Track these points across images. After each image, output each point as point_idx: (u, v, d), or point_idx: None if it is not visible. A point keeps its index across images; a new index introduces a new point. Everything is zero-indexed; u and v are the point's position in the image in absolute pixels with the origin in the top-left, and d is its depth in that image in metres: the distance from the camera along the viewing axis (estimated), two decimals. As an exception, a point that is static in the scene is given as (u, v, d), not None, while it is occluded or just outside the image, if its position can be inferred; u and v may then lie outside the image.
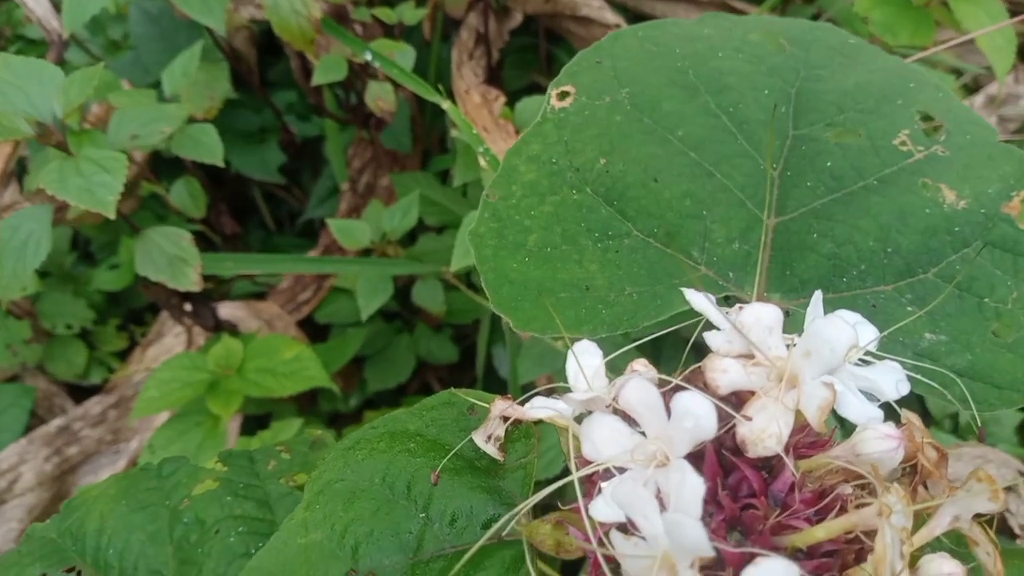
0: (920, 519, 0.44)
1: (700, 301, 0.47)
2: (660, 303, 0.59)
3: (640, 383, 0.41)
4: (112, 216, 0.90)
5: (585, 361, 0.46)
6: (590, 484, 0.44)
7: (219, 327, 1.37)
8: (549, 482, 0.48)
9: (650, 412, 0.41)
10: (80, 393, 1.64)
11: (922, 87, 0.71)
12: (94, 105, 1.44)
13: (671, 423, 0.40)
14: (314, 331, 1.53)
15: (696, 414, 0.39)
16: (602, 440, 0.42)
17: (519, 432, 0.52)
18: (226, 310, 1.46)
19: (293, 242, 1.66)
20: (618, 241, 0.62)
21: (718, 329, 0.45)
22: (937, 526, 0.42)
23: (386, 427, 0.54)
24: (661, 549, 0.36)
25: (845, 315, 0.44)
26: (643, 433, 0.42)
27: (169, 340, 1.57)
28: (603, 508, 0.40)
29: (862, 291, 0.60)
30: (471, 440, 0.51)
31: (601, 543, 0.40)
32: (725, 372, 0.42)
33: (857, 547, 0.41)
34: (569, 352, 0.46)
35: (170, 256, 1.07)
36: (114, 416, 1.54)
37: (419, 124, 1.62)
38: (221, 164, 1.12)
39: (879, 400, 0.46)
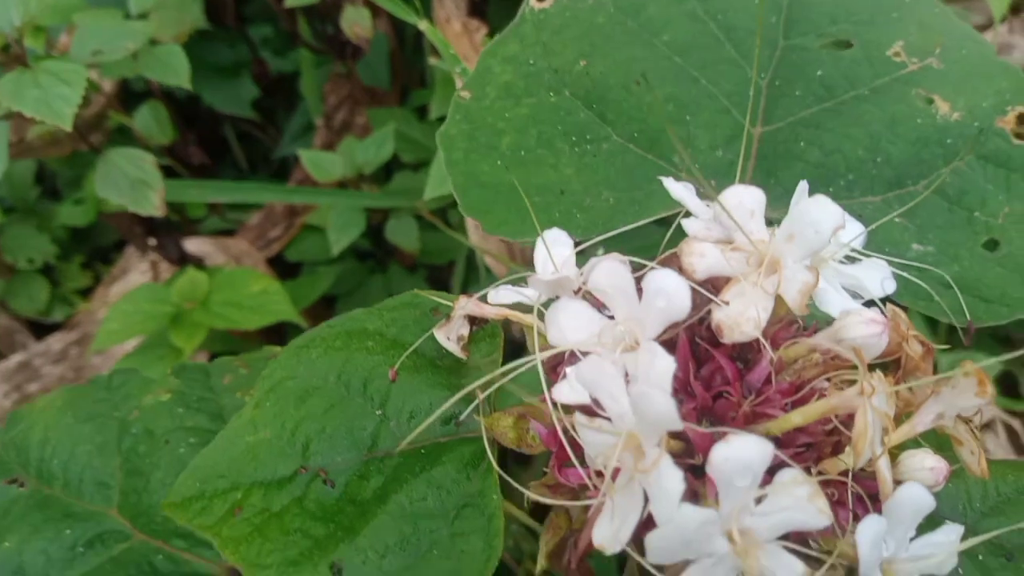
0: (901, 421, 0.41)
1: (678, 190, 0.44)
2: (638, 208, 0.56)
3: (611, 263, 0.38)
4: (69, 128, 0.86)
5: (555, 250, 0.43)
6: (554, 376, 0.41)
7: (185, 261, 1.33)
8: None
9: (620, 294, 0.38)
10: (42, 330, 1.60)
11: (919, 1, 0.68)
12: (63, 36, 1.38)
13: (642, 304, 0.37)
14: (284, 270, 1.49)
15: (669, 292, 0.36)
16: (568, 325, 0.39)
17: (484, 332, 0.49)
18: (193, 245, 1.42)
19: (266, 183, 1.62)
20: (597, 145, 0.59)
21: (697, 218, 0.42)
22: (920, 423, 0.40)
23: (343, 326, 0.51)
24: (626, 428, 0.34)
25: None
26: (612, 318, 0.39)
27: (134, 277, 1.53)
28: (567, 390, 0.37)
29: (849, 201, 0.57)
30: (433, 339, 0.48)
31: (565, 432, 0.37)
32: (703, 256, 0.39)
33: (834, 439, 0.38)
34: (538, 239, 0.43)
35: (132, 179, 1.03)
36: (76, 353, 1.50)
37: (398, 60, 1.57)
38: (188, 86, 1.07)
39: (863, 299, 0.44)
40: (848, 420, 0.37)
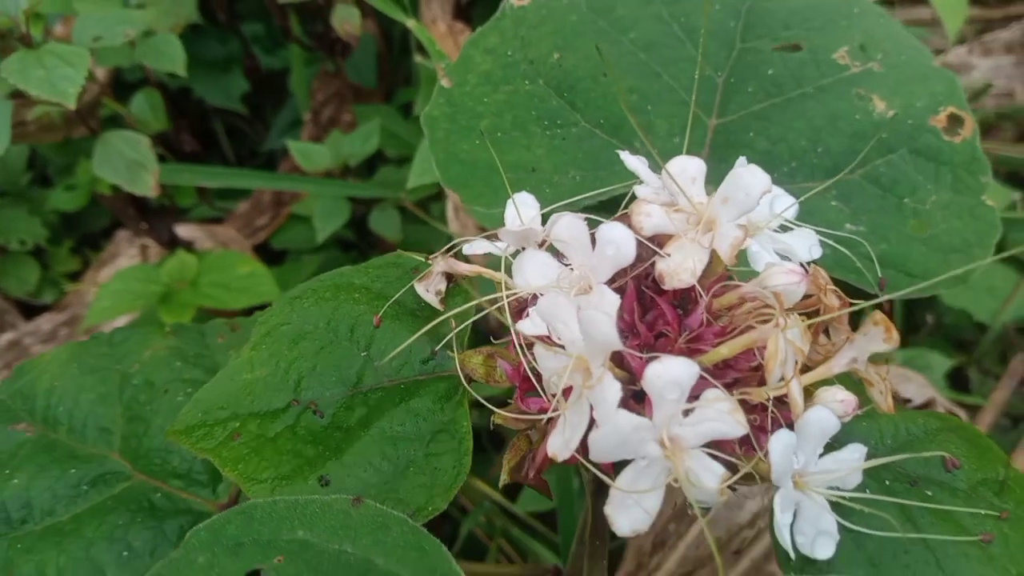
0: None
1: (632, 161, 0.50)
2: (601, 186, 0.62)
3: (571, 218, 0.44)
4: (73, 106, 0.91)
5: (523, 210, 0.49)
6: (519, 318, 0.47)
7: (175, 245, 1.38)
8: (486, 334, 0.51)
9: (577, 244, 0.44)
10: (31, 312, 1.64)
11: (866, 13, 0.75)
12: (58, 25, 1.43)
13: (595, 253, 0.43)
14: (270, 258, 1.54)
15: (617, 241, 0.42)
16: (532, 272, 0.45)
17: (459, 288, 0.55)
18: (183, 230, 1.47)
19: (256, 171, 1.66)
20: (566, 129, 0.65)
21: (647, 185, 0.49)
22: (836, 365, 0.46)
23: (332, 280, 0.57)
24: (576, 352, 0.40)
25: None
26: (570, 268, 0.45)
27: (123, 261, 1.57)
28: (528, 325, 0.43)
29: (792, 186, 0.63)
30: (414, 293, 0.54)
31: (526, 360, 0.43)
32: (649, 216, 0.45)
33: (759, 375, 0.44)
34: (508, 201, 0.49)
35: (128, 160, 1.08)
36: (65, 333, 1.54)
37: (385, 60, 1.63)
38: (183, 73, 1.13)
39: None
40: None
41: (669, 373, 0.38)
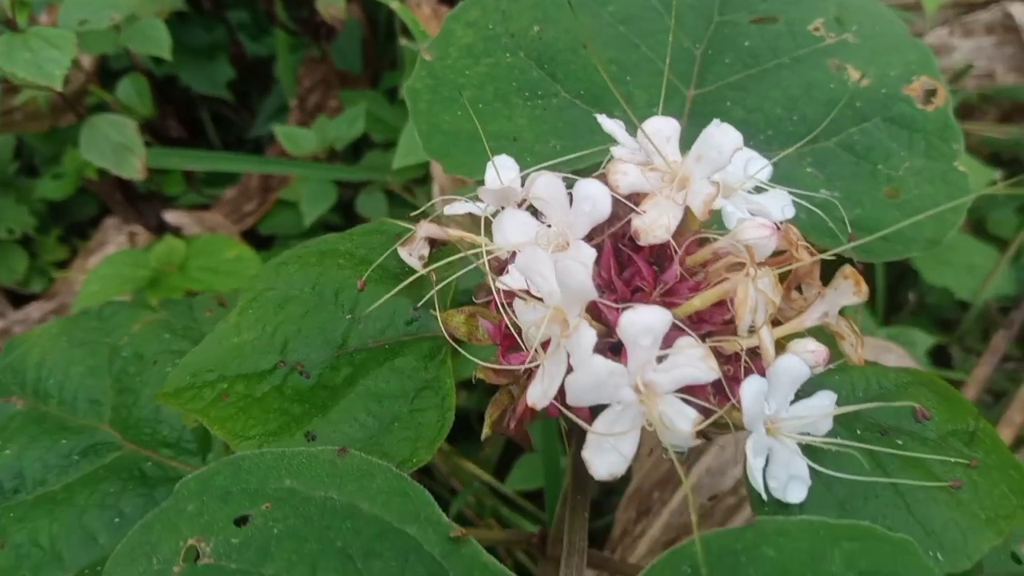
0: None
1: (610, 124, 0.51)
2: (589, 159, 0.63)
3: (549, 176, 0.46)
4: (59, 88, 0.92)
5: (503, 172, 0.50)
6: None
7: (163, 230, 1.39)
8: (468, 294, 0.52)
9: (555, 202, 0.45)
10: (20, 300, 1.64)
11: (841, -15, 0.76)
12: (43, 15, 1.44)
13: (572, 209, 0.44)
14: (258, 243, 1.55)
15: (593, 197, 0.43)
16: (511, 230, 0.46)
17: (442, 252, 0.56)
18: (171, 216, 1.47)
19: (243, 155, 1.67)
20: (547, 100, 0.66)
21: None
22: (808, 319, 0.47)
23: (317, 247, 0.58)
24: (554, 303, 0.41)
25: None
26: (549, 226, 0.46)
27: (112, 249, 1.57)
28: (509, 279, 0.44)
29: (768, 153, 0.64)
30: (397, 258, 0.55)
31: (505, 311, 0.44)
32: (625, 175, 0.47)
33: (732, 327, 0.45)
34: (489, 163, 0.50)
35: (115, 143, 1.09)
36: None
37: (370, 46, 1.64)
38: (168, 57, 1.13)
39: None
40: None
41: (642, 320, 0.39)
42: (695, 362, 0.39)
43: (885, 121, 0.67)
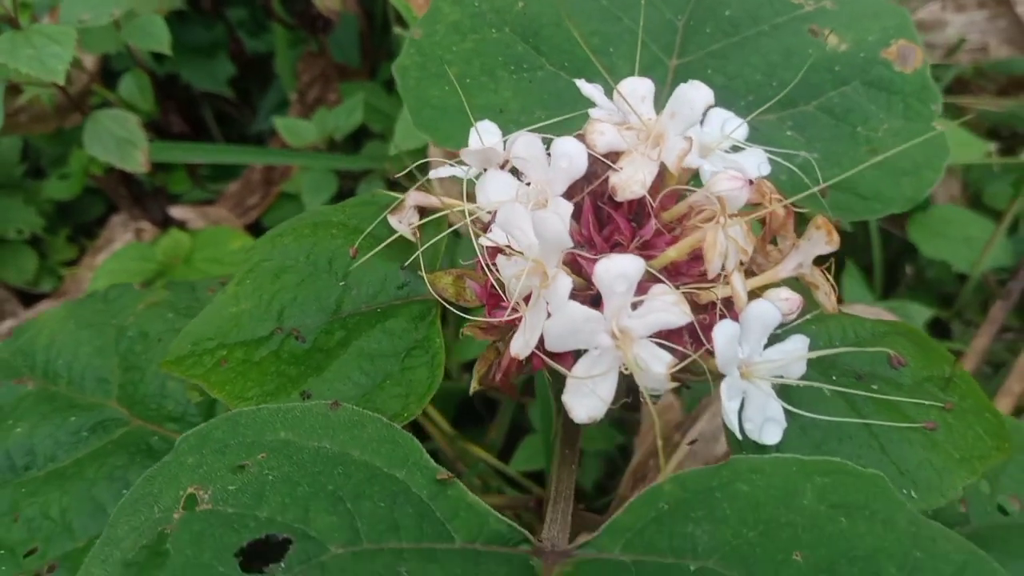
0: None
1: (587, 87, 0.53)
2: (566, 123, 0.65)
3: (528, 137, 0.47)
4: (61, 82, 0.94)
5: (485, 137, 0.52)
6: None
7: (168, 224, 1.41)
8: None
9: (534, 160, 0.47)
10: (31, 300, 1.66)
11: (820, -44, 0.78)
12: (45, 17, 1.46)
13: (550, 167, 0.46)
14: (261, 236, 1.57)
15: (570, 154, 0.45)
16: (493, 190, 0.48)
17: (431, 222, 0.58)
18: (177, 212, 1.49)
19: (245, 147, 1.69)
20: (532, 73, 0.68)
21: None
22: (783, 270, 0.49)
23: (311, 219, 0.59)
24: (533, 256, 0.42)
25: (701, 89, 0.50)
26: (529, 186, 0.48)
27: (119, 246, 1.60)
28: (492, 236, 0.46)
29: (749, 118, 0.66)
30: (389, 226, 0.57)
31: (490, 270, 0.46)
32: (602, 134, 0.48)
33: (709, 281, 0.47)
34: (472, 129, 0.52)
35: (118, 138, 1.11)
36: (65, 318, 1.57)
37: (367, 39, 1.66)
38: (168, 52, 1.15)
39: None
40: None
41: (616, 267, 0.41)
42: (668, 307, 0.41)
43: (864, 84, 0.69)
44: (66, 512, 0.63)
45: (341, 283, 0.55)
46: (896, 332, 0.54)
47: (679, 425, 0.90)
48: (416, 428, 1.13)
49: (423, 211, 0.58)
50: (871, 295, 1.43)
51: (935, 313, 1.39)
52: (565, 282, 0.40)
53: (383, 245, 0.56)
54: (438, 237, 0.52)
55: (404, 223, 0.57)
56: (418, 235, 0.57)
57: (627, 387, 0.44)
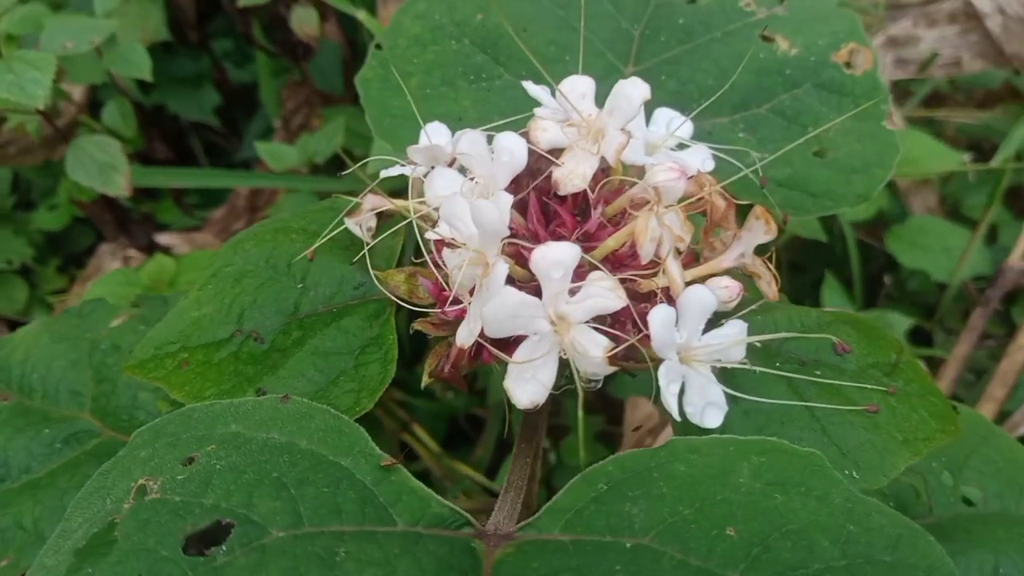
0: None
1: (533, 88, 0.54)
2: (523, 127, 0.66)
3: (472, 134, 0.49)
4: (41, 106, 0.96)
5: (434, 137, 0.54)
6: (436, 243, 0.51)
7: (154, 250, 1.43)
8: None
9: (479, 156, 0.48)
10: (21, 329, 1.67)
11: (772, -35, 0.80)
12: (33, 49, 1.48)
13: (493, 162, 0.48)
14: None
15: (511, 148, 0.47)
16: (441, 186, 0.50)
17: (388, 225, 0.59)
18: (163, 238, 1.51)
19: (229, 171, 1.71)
20: (491, 82, 0.70)
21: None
22: (725, 260, 0.50)
23: (272, 225, 0.61)
24: (474, 246, 0.44)
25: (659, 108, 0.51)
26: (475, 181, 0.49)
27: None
28: (437, 231, 0.47)
29: (702, 122, 0.68)
30: (347, 231, 0.58)
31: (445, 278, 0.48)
32: (545, 131, 0.50)
33: (650, 271, 0.48)
34: (421, 130, 0.54)
35: (100, 163, 1.13)
36: (54, 346, 1.57)
37: (350, 67, 1.68)
38: (149, 78, 1.17)
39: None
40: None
41: (552, 254, 0.42)
42: (604, 292, 0.42)
43: (815, 87, 0.70)
44: (38, 522, 0.64)
45: (299, 285, 0.56)
46: (841, 321, 0.55)
47: (652, 431, 0.91)
48: (405, 448, 1.14)
49: (381, 214, 0.59)
50: (851, 307, 1.44)
51: (916, 322, 1.40)
52: (502, 268, 0.42)
53: (339, 247, 0.58)
54: (388, 233, 0.53)
55: (363, 226, 0.58)
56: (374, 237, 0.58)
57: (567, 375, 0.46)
